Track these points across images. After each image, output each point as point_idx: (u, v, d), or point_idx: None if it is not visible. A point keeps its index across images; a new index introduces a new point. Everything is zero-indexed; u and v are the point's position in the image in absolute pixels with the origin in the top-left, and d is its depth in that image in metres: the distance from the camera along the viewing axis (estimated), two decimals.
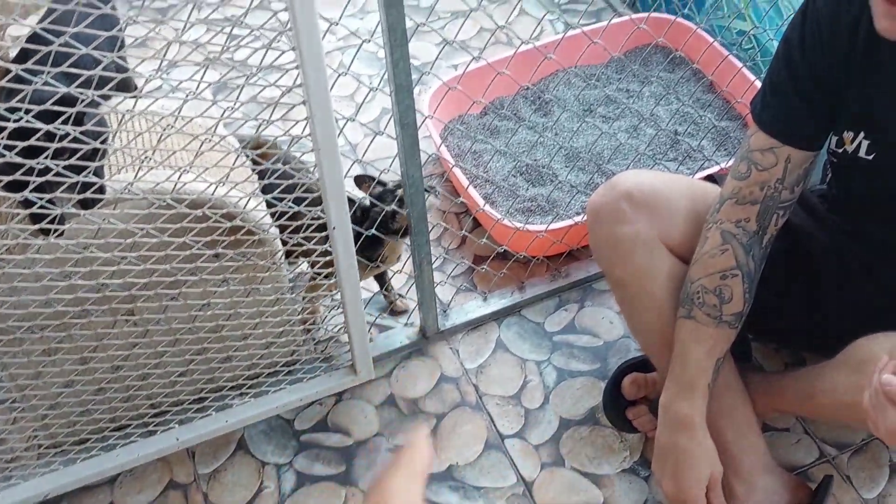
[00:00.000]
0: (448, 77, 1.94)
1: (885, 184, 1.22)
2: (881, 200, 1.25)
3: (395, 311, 1.72)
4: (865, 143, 1.19)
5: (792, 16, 1.22)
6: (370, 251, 1.51)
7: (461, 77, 1.72)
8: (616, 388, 1.50)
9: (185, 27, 1.01)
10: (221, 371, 1.50)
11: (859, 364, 1.19)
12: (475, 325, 1.71)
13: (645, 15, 1.97)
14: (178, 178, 1.20)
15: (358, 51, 1.38)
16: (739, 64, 1.97)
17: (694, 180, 1.38)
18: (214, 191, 1.24)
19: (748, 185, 1.24)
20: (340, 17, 1.22)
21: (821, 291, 1.36)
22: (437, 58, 1.59)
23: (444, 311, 1.70)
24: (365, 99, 1.95)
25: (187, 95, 1.09)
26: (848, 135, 1.21)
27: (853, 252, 1.32)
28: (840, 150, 1.23)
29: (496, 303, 1.73)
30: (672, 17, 2.00)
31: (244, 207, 1.30)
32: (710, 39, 1.94)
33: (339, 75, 1.25)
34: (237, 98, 1.12)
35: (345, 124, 1.31)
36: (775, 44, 1.40)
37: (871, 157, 1.19)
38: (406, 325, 1.69)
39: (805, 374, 1.36)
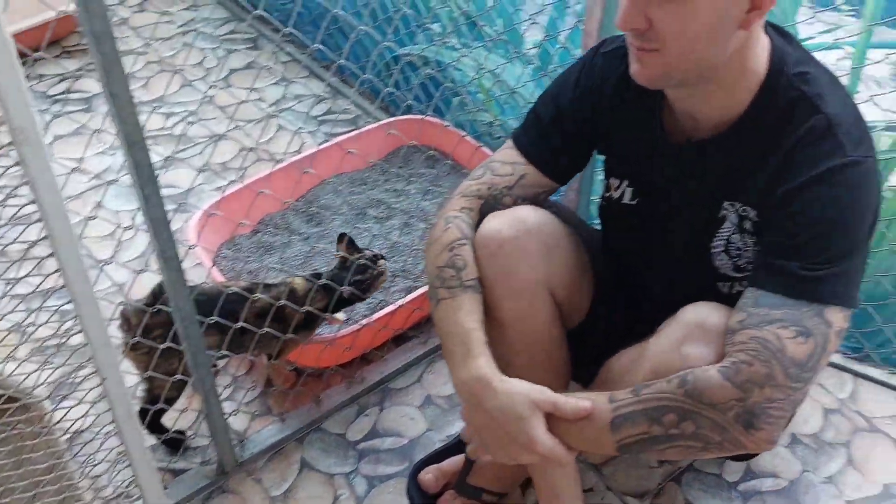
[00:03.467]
0: (213, 200, 1.92)
1: (647, 228, 1.28)
2: (647, 246, 1.30)
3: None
4: (629, 191, 1.28)
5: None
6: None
7: (225, 199, 1.70)
8: (418, 490, 1.50)
9: None
10: None
11: (604, 383, 1.26)
12: (276, 448, 1.65)
13: (393, 119, 2.05)
14: None
15: (106, 190, 1.34)
16: (490, 152, 2.08)
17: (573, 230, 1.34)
18: None
19: (478, 183, 1.29)
20: (82, 159, 1.18)
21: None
22: (190, 183, 1.58)
23: (241, 442, 1.63)
24: (121, 238, 1.87)
25: None
26: (613, 181, 1.30)
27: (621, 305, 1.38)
28: (607, 195, 1.31)
29: (294, 422, 1.68)
30: (420, 117, 2.09)
31: (3, 373, 1.20)
32: (461, 134, 2.05)
33: (87, 219, 1.21)
34: None
35: (101, 268, 1.26)
36: None
37: (634, 202, 1.28)
38: (202, 463, 1.60)
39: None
